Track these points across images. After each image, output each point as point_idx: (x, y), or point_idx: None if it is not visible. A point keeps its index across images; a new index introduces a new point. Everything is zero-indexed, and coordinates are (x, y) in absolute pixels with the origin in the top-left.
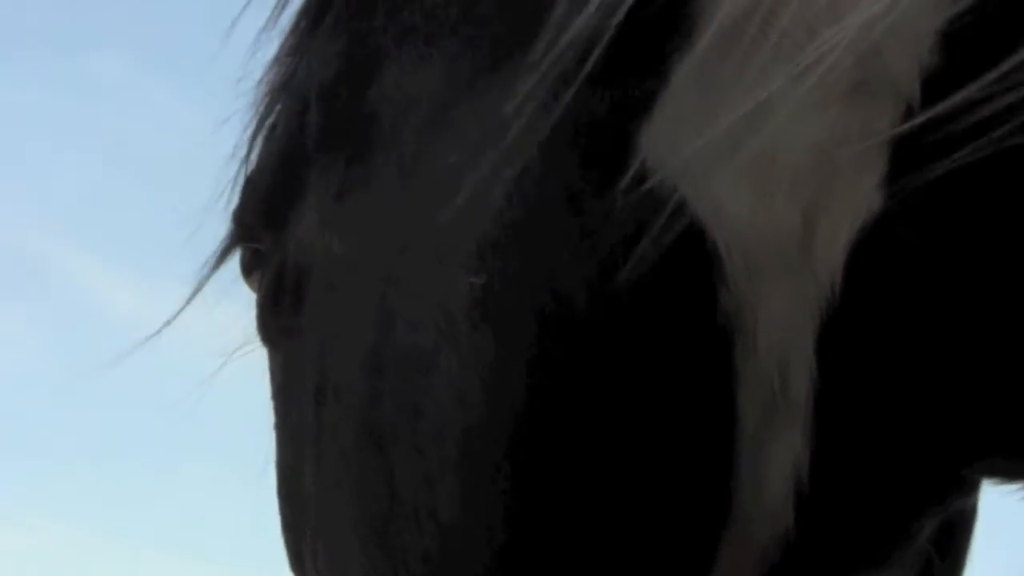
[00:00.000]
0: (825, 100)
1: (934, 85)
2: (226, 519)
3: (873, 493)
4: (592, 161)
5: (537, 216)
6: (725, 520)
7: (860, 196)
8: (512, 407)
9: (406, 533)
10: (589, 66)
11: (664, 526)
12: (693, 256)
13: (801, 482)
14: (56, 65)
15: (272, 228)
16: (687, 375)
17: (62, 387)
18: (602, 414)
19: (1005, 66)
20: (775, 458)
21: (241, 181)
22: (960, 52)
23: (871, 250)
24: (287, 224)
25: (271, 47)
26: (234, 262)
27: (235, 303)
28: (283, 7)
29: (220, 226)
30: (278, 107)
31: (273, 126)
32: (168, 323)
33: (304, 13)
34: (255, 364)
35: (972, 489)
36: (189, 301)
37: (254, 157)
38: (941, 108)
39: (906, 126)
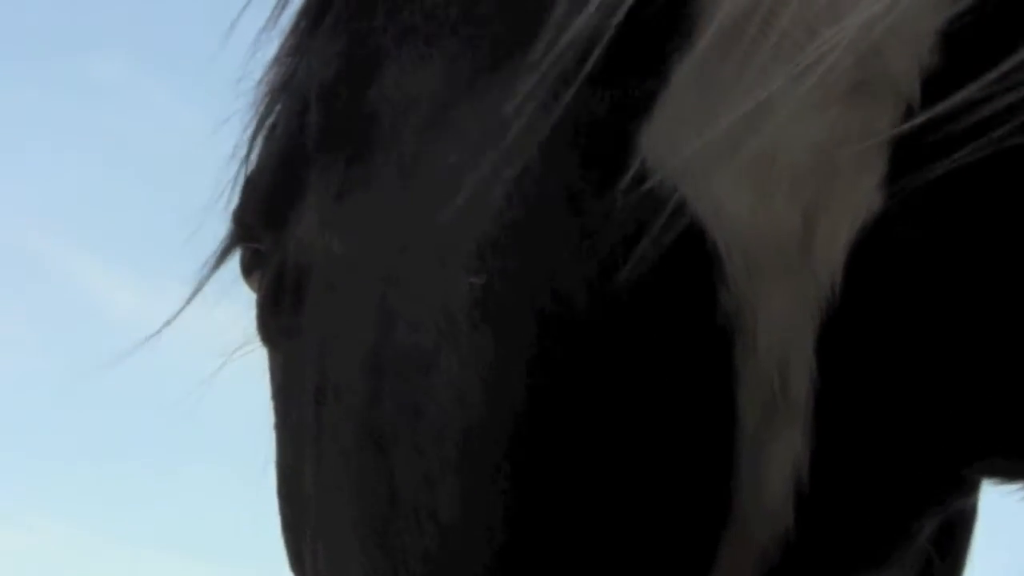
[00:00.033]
0: (825, 100)
1: (934, 85)
2: (226, 519)
3: (873, 493)
4: (592, 161)
5: (537, 216)
6: (725, 520)
7: (860, 196)
8: (512, 407)
9: (406, 533)
10: (589, 66)
11: (664, 526)
12: (693, 256)
13: (801, 482)
14: (56, 65)
15: (272, 228)
16: (687, 375)
17: (62, 387)
18: (602, 414)
19: (1005, 66)
20: (775, 458)
21: (241, 181)
22: (960, 52)
23: (871, 250)
24: (287, 224)
25: (271, 47)
26: (234, 262)
27: (235, 303)
28: (283, 7)
29: (220, 226)
30: (278, 107)
31: (273, 126)
32: (168, 323)
33: (304, 13)
34: (256, 364)
35: (972, 489)
36: (189, 301)
37: (254, 157)
38: (941, 108)
39: (906, 126)
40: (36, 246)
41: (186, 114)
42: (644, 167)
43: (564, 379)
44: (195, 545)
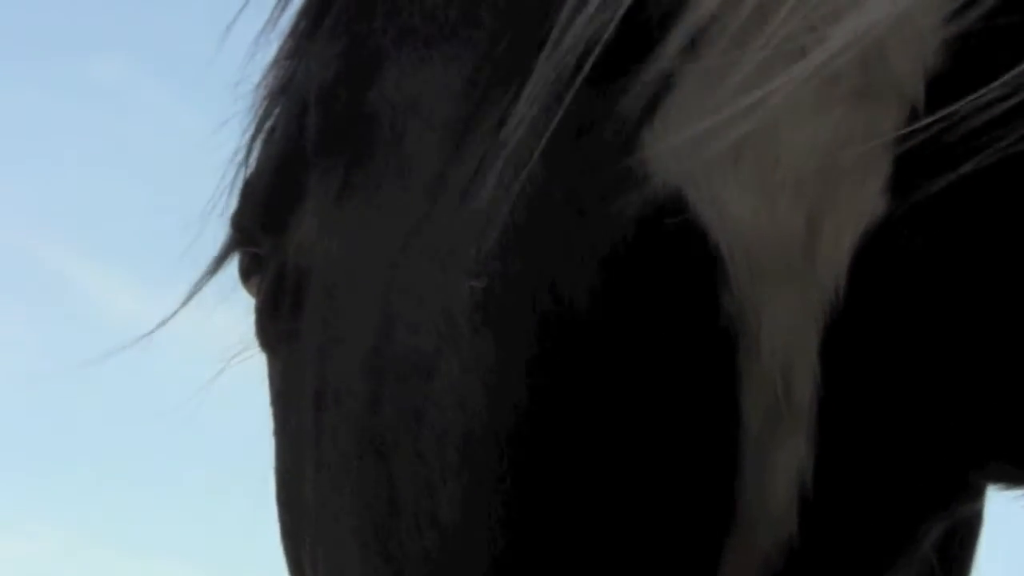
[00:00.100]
0: (828, 101)
1: (939, 87)
2: (226, 526)
3: (877, 499)
4: (593, 163)
5: (538, 219)
6: (728, 526)
7: (865, 200)
8: (514, 411)
9: (407, 538)
10: (590, 67)
11: (667, 532)
12: (696, 259)
13: (805, 487)
14: (56, 66)
15: (271, 232)
16: (690, 379)
17: (61, 392)
18: (604, 418)
19: (1013, 69)
20: (779, 463)
21: (239, 185)
22: (965, 53)
23: (876, 254)
24: (286, 228)
25: (269, 50)
26: (232, 267)
27: (235, 308)
28: (282, 10)
29: (220, 230)
30: (277, 110)
31: (272, 129)
32: (163, 324)
33: (303, 15)
34: (256, 370)
35: (977, 495)
36: (185, 304)
37: (253, 161)
38: (947, 111)
39: (910, 128)
40: (35, 248)
41: (186, 116)
42: (646, 169)
43: (566, 383)
44: (195, 552)
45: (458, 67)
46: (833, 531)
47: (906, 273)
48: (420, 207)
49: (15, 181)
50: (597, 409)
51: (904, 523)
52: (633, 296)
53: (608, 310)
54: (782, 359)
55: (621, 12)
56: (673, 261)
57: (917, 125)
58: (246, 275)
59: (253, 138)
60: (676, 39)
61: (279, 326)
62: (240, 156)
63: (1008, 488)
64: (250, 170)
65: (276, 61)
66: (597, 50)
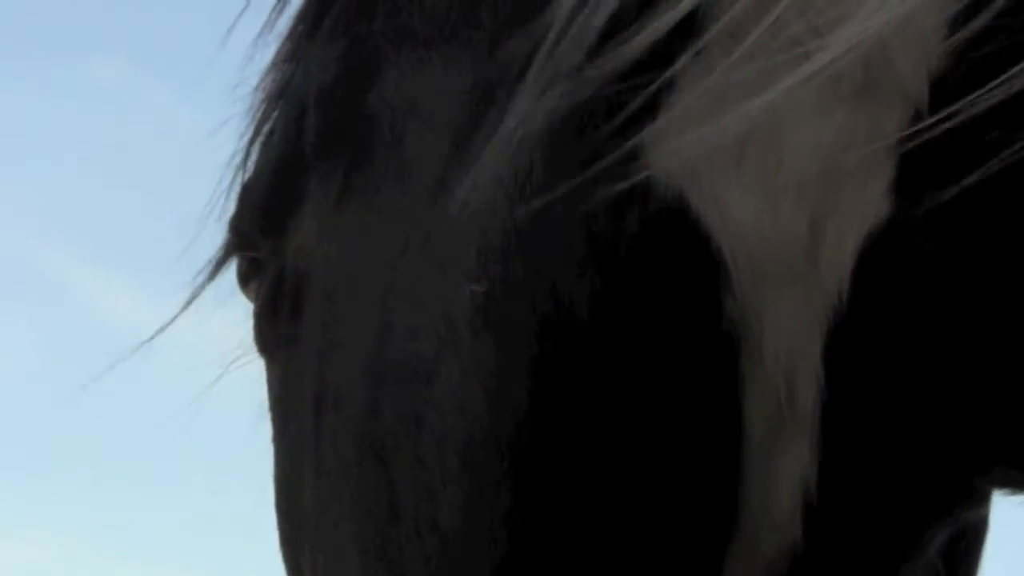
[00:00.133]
0: (831, 103)
1: (943, 88)
2: (225, 531)
3: (882, 504)
4: (595, 165)
5: (539, 222)
6: (731, 533)
7: (868, 202)
8: (514, 416)
9: (407, 544)
10: (591, 68)
11: (669, 538)
12: (698, 262)
13: (809, 493)
14: (55, 67)
15: (270, 236)
16: (692, 384)
17: (61, 396)
18: (606, 423)
19: (1015, 69)
20: (782, 469)
21: (238, 189)
22: (969, 55)
23: (879, 257)
24: (285, 232)
25: (268, 52)
26: (231, 272)
27: (233, 313)
28: (280, 11)
29: (219, 234)
30: (275, 113)
31: (270, 132)
32: (162, 330)
33: (301, 17)
34: (255, 375)
35: (982, 500)
36: (184, 309)
37: (251, 164)
38: (948, 111)
39: (913, 128)
40: (34, 251)
41: (187, 117)
42: (648, 171)
43: (566, 388)
44: (195, 557)
45: (458, 68)
46: (837, 537)
47: (910, 275)
48: (420, 210)
49: (14, 182)
50: (598, 414)
51: (909, 528)
52: (634, 299)
53: (609, 314)
54: (785, 364)
55: (617, 9)
56: (675, 264)
57: (920, 126)
58: (244, 280)
59: (251, 141)
60: (676, 38)
61: (278, 331)
62: (238, 159)
63: (1013, 493)
64: (248, 174)
65: (274, 64)
66: (598, 50)
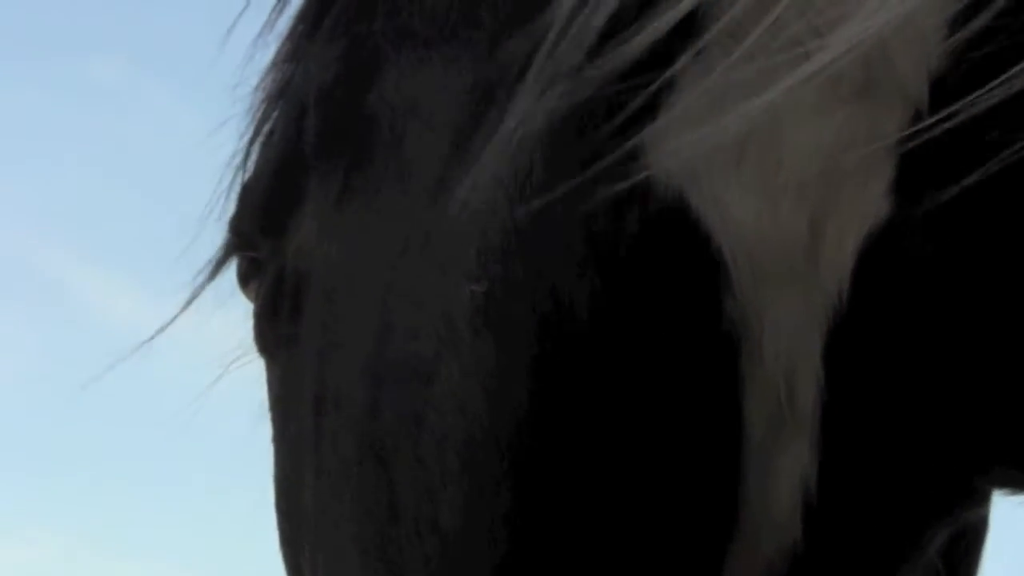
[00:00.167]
0: (831, 103)
1: (943, 88)
2: (226, 531)
3: (882, 504)
4: (595, 165)
5: (539, 222)
6: (731, 533)
7: (868, 202)
8: (514, 416)
9: (408, 545)
10: (592, 68)
11: (669, 538)
12: (698, 262)
13: (809, 493)
14: (55, 67)
15: (270, 236)
16: (692, 384)
17: (61, 397)
18: (606, 423)
19: (1014, 69)
20: (782, 469)
21: (238, 189)
22: (969, 55)
23: (879, 257)
24: (285, 232)
25: (268, 52)
26: (231, 272)
27: (233, 313)
28: (280, 11)
29: (219, 234)
30: (275, 113)
31: (270, 132)
32: (162, 330)
33: (301, 17)
34: (256, 375)
35: (983, 500)
36: (183, 310)
37: (251, 164)
38: (948, 111)
39: (913, 128)
40: (34, 251)
41: (187, 117)
42: (648, 171)
43: (566, 387)
44: (195, 557)
45: (458, 68)
46: (837, 537)
47: (910, 275)
48: (420, 210)
49: (15, 182)
50: (598, 414)
51: (909, 528)
52: (634, 299)
53: (609, 314)
54: (785, 363)
55: (617, 9)
56: (675, 264)
57: (921, 126)
58: (244, 280)
59: (251, 141)
60: (676, 38)
61: (278, 331)
62: (238, 160)
63: (1013, 493)
64: (248, 174)
65: (275, 64)
66: (599, 51)
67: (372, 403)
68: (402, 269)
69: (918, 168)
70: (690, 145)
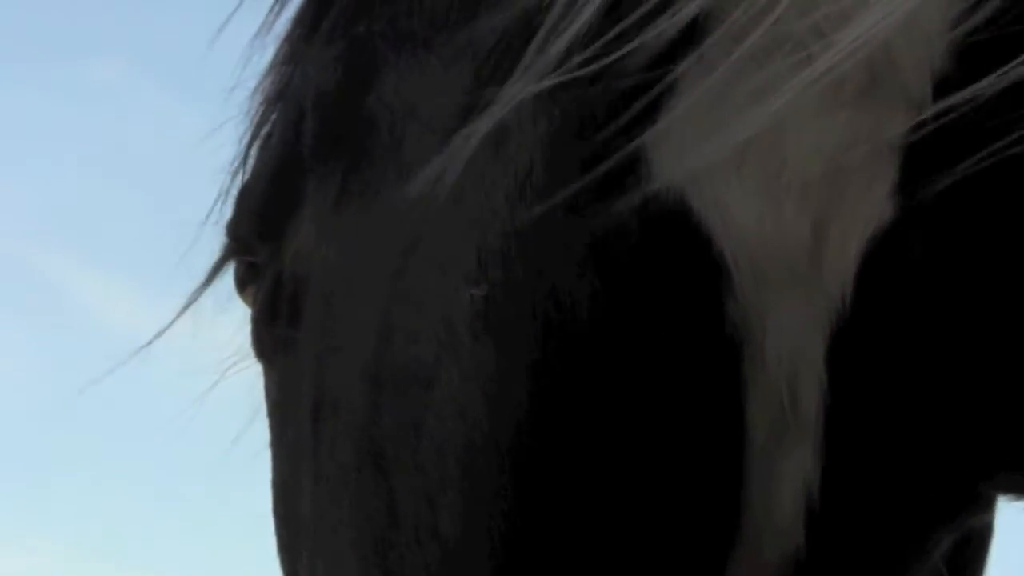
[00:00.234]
0: (834, 105)
1: (946, 90)
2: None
3: (885, 510)
4: (595, 167)
5: (539, 224)
6: (734, 539)
7: (871, 205)
8: (515, 421)
9: (407, 552)
10: (592, 70)
11: (671, 545)
12: (700, 265)
13: (812, 499)
14: (55, 69)
15: (268, 240)
16: (694, 388)
17: (60, 403)
18: (607, 428)
19: (1014, 61)
20: (785, 474)
21: (235, 193)
22: (972, 56)
23: (882, 260)
24: (283, 236)
25: (266, 54)
26: (229, 277)
27: (232, 318)
28: (278, 14)
29: (217, 238)
30: (273, 116)
31: (268, 135)
32: (160, 334)
33: (299, 20)
34: (254, 380)
35: (987, 505)
36: (180, 314)
37: (249, 167)
38: (948, 103)
39: (915, 127)
40: (33, 254)
41: (187, 119)
42: (649, 173)
43: (567, 392)
44: (194, 564)
45: (458, 70)
46: (841, 543)
47: (914, 279)
48: (419, 213)
49: (14, 184)
50: (599, 418)
51: (913, 534)
52: (635, 302)
53: (610, 317)
54: (788, 368)
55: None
56: (676, 267)
57: (921, 117)
58: (242, 284)
59: (249, 144)
60: (678, 40)
61: (276, 335)
62: (236, 163)
63: (1018, 498)
64: (246, 177)
65: (272, 66)
66: (600, 53)
67: (371, 408)
68: (401, 273)
69: (922, 170)
70: (692, 147)
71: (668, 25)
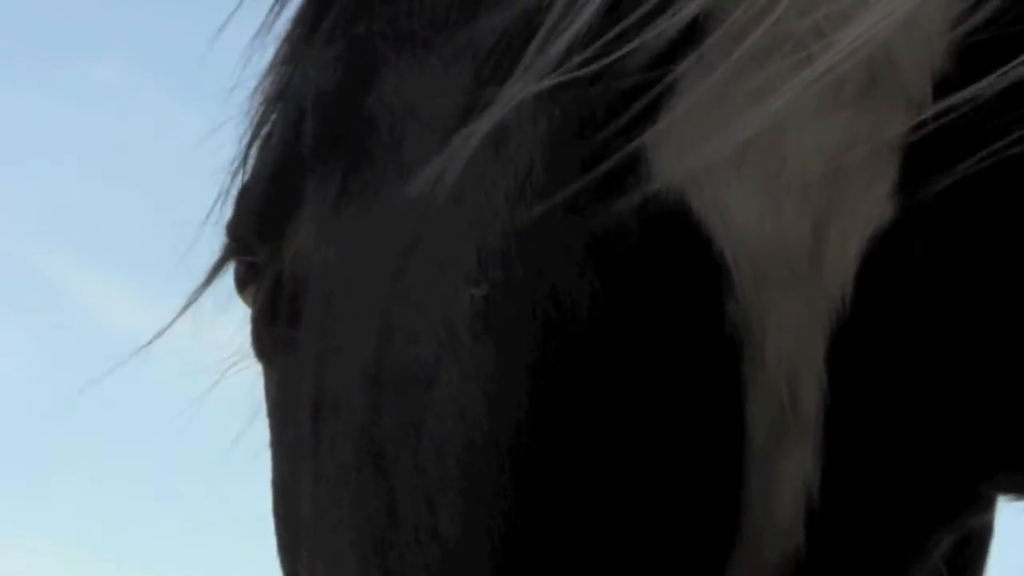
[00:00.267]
0: (834, 105)
1: (946, 90)
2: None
3: (885, 510)
4: (595, 167)
5: (539, 224)
6: (734, 539)
7: (871, 205)
8: (515, 421)
9: (407, 552)
10: (592, 70)
11: (671, 545)
12: (700, 265)
13: (812, 499)
14: (55, 70)
15: (267, 240)
16: (694, 388)
17: (60, 403)
18: (607, 428)
19: (1013, 63)
20: (785, 474)
21: (235, 193)
22: (972, 56)
23: (882, 260)
24: (283, 236)
25: (266, 55)
26: (230, 277)
27: (232, 318)
28: (277, 14)
29: (217, 238)
30: (273, 116)
31: (268, 135)
32: (160, 334)
33: (299, 20)
34: (254, 380)
35: (987, 505)
36: (180, 315)
37: (249, 168)
38: (948, 103)
39: (915, 127)
40: (33, 254)
41: (187, 119)
42: (649, 173)
43: (567, 392)
44: (194, 564)
45: (458, 70)
46: (841, 543)
47: (914, 279)
48: (419, 213)
49: (14, 184)
50: (599, 418)
51: (913, 534)
52: (635, 302)
53: (610, 317)
54: (788, 368)
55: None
56: (676, 267)
57: (921, 117)
58: (242, 285)
59: (249, 144)
60: (678, 39)
61: (276, 336)
62: (236, 163)
63: (1018, 499)
64: (246, 177)
65: (272, 66)
66: (600, 53)
67: (371, 408)
68: (401, 273)
69: (921, 170)
70: (692, 147)
71: (668, 25)
